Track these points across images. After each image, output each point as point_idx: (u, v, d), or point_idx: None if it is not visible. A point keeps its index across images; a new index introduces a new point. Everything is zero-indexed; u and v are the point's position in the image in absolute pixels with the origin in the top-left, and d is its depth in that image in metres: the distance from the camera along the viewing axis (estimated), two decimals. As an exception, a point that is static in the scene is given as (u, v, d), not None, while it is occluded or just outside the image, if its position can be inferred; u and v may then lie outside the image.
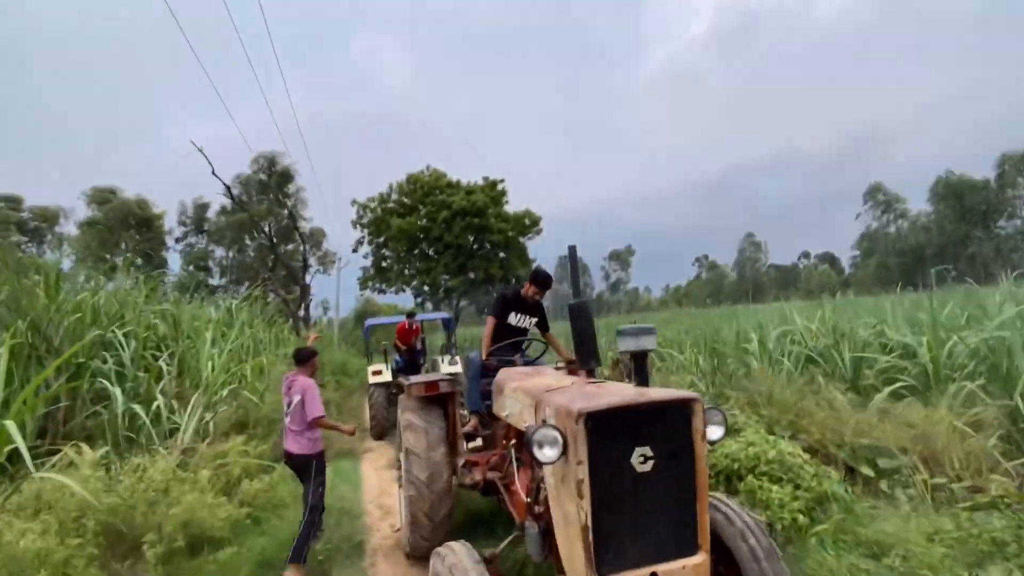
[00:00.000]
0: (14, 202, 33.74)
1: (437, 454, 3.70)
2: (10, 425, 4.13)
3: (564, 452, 2.06)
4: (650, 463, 2.05)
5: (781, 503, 3.54)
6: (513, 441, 3.19)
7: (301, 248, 27.44)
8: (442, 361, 10.10)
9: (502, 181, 24.00)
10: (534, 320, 4.41)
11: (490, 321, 4.37)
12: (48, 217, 35.53)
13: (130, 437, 5.13)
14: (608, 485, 2.03)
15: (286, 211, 25.99)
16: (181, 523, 3.99)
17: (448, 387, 3.98)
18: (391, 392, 9.26)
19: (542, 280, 4.33)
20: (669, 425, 2.13)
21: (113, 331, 5.95)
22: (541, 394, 2.55)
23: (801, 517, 3.47)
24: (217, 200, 30.70)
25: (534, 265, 24.55)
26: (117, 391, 5.00)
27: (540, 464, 2.16)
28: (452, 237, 22.89)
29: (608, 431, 2.05)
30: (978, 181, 45.92)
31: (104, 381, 5.30)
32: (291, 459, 4.13)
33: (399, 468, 4.19)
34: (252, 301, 13.69)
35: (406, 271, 25.13)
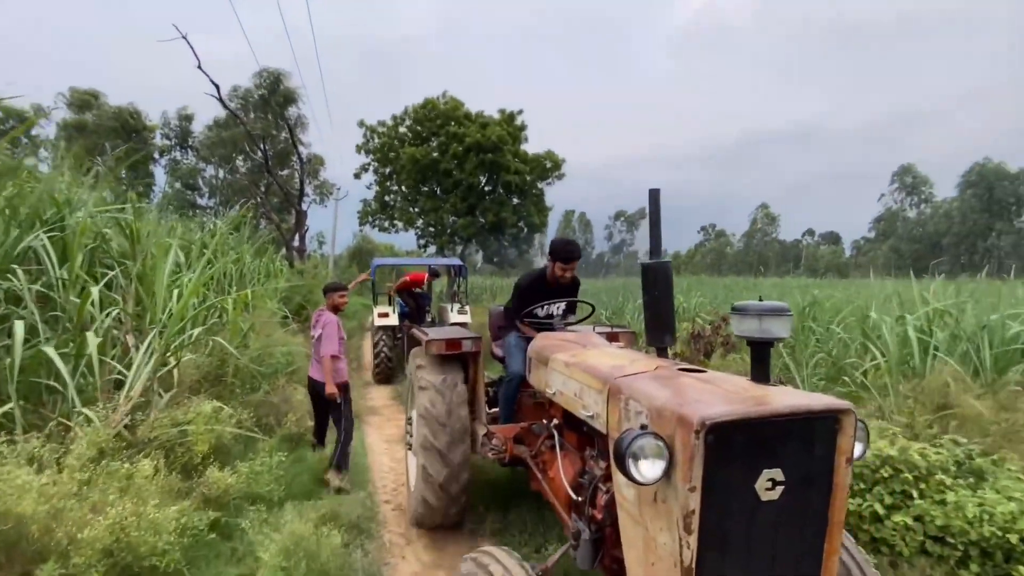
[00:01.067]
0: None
1: (457, 420, 3.35)
2: None
3: (667, 470, 1.55)
4: (778, 490, 1.54)
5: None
6: (555, 421, 2.81)
7: (298, 172, 25.60)
8: (451, 309, 9.50)
9: (520, 113, 21.49)
10: (562, 306, 3.70)
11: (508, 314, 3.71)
12: (25, 118, 32.79)
13: (55, 392, 3.57)
14: (723, 517, 1.53)
15: (284, 133, 23.93)
16: (100, 549, 2.50)
17: (472, 346, 3.55)
18: (397, 337, 9.04)
19: (564, 253, 3.50)
20: (808, 442, 1.58)
21: (40, 237, 4.26)
22: (615, 379, 2.05)
23: None
24: (206, 113, 28.27)
25: (551, 215, 22.72)
26: (19, 325, 3.35)
27: (634, 480, 1.58)
28: (463, 174, 20.71)
29: (733, 447, 1.51)
30: (1012, 172, 44.02)
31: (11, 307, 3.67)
32: (314, 385, 4.47)
33: (409, 427, 3.90)
34: (241, 223, 11.95)
35: (412, 209, 23.10)
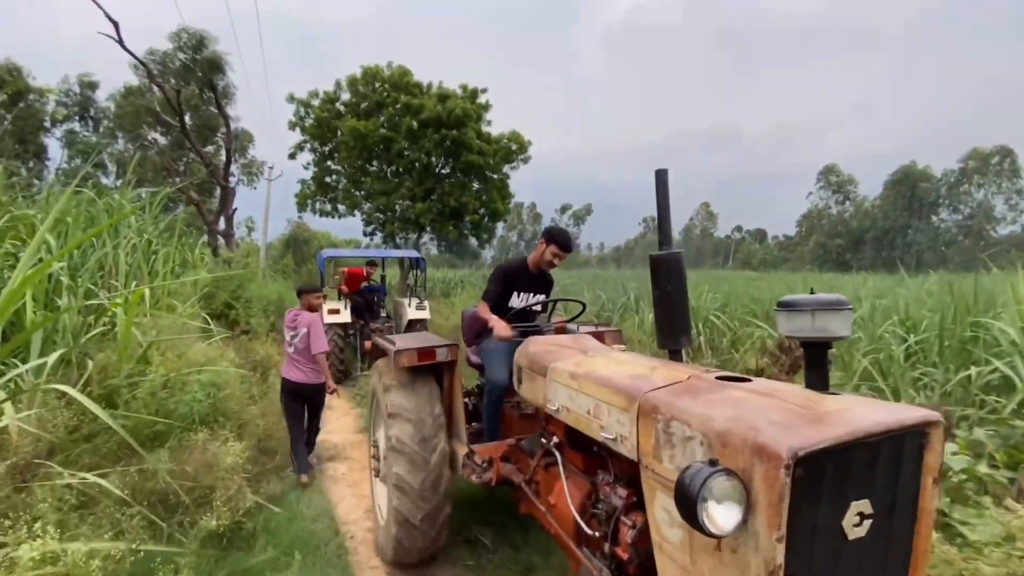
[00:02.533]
0: None
1: (434, 449, 2.88)
2: None
3: (744, 516, 1.26)
4: (866, 524, 1.31)
5: None
6: (555, 439, 2.44)
7: (223, 142, 22.86)
8: (408, 304, 8.78)
9: (484, 91, 19.20)
10: (541, 297, 3.46)
11: (484, 308, 3.26)
12: None
13: None
14: (805, 567, 1.26)
15: (210, 107, 21.09)
16: None
17: (447, 355, 3.06)
18: (348, 335, 8.57)
19: (564, 238, 3.32)
20: (895, 463, 1.35)
21: None
22: (645, 394, 1.71)
23: None
24: (113, 82, 24.60)
25: (514, 201, 21.01)
26: None
27: (708, 534, 1.25)
28: (419, 153, 18.46)
29: (822, 480, 1.26)
30: (936, 175, 47.43)
31: None
32: (298, 387, 4.40)
33: (374, 450, 3.51)
34: (149, 203, 9.45)
35: (356, 192, 20.55)
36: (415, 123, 17.99)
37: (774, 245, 70.80)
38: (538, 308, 3.47)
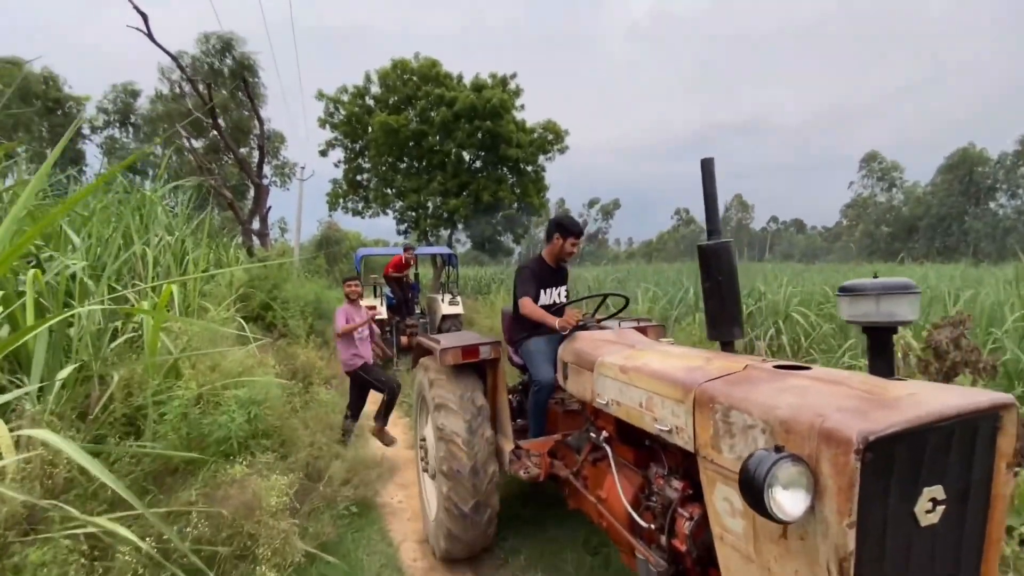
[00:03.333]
0: None
1: (481, 441, 2.93)
2: None
3: (812, 502, 1.24)
4: (939, 510, 1.28)
5: None
6: (604, 433, 2.44)
7: (256, 141, 23.10)
8: (441, 300, 8.95)
9: (514, 77, 18.04)
10: (564, 291, 3.46)
11: (530, 305, 3.20)
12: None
13: None
14: (877, 554, 1.22)
15: (242, 110, 21.19)
16: None
17: (491, 352, 3.13)
18: (385, 331, 8.47)
19: (574, 225, 3.36)
20: (969, 448, 1.31)
21: None
22: (701, 384, 1.70)
23: None
24: (151, 91, 25.09)
25: (548, 195, 20.18)
26: None
27: (776, 520, 1.22)
28: (453, 145, 17.69)
29: (893, 465, 1.22)
30: (992, 157, 44.39)
31: None
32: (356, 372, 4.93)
33: (421, 449, 3.48)
34: (185, 196, 9.06)
35: (388, 190, 20.05)
36: (450, 115, 17.26)
37: (817, 235, 67.94)
38: (561, 300, 3.49)
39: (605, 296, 3.57)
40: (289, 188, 31.93)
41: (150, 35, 9.74)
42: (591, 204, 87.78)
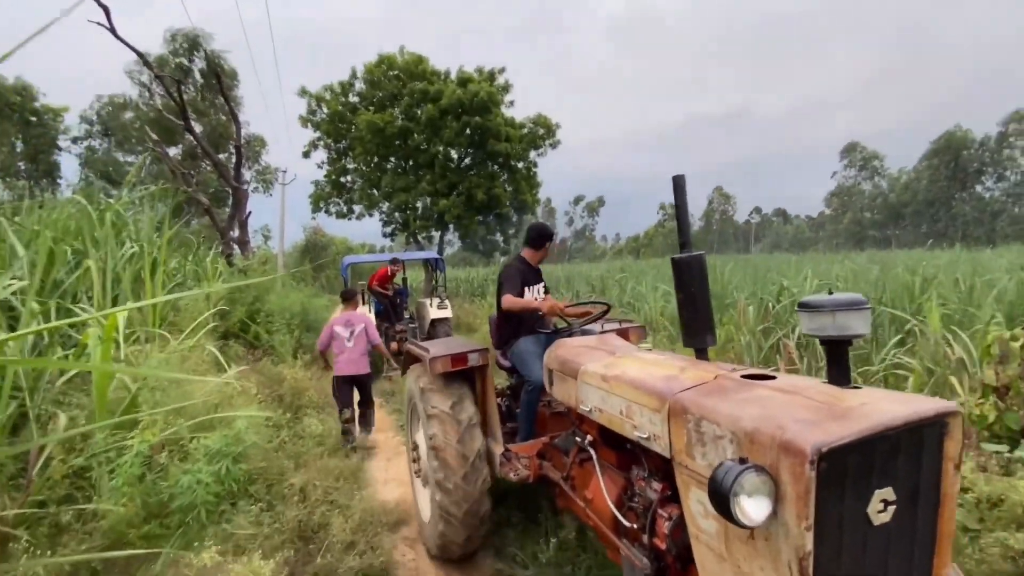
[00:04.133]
0: None
1: (472, 446, 3.01)
2: None
3: (774, 507, 1.35)
4: (890, 510, 1.41)
5: None
6: (589, 437, 2.54)
7: (234, 144, 22.62)
8: (430, 304, 8.93)
9: (502, 72, 17.47)
10: (542, 288, 3.60)
11: (511, 299, 3.28)
12: None
13: None
14: (837, 551, 1.37)
15: (221, 108, 20.30)
16: None
17: (479, 359, 3.23)
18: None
19: (548, 232, 3.66)
20: (917, 452, 1.44)
21: None
22: (675, 394, 1.80)
23: None
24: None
25: (540, 191, 19.54)
26: None
27: (741, 525, 1.35)
28: (440, 144, 17.00)
29: (844, 472, 1.34)
30: (978, 138, 44.51)
31: None
32: (353, 378, 5.06)
33: (414, 451, 3.62)
34: (152, 200, 8.28)
35: (374, 191, 19.30)
36: (436, 111, 16.58)
37: (806, 224, 68.18)
38: (540, 296, 3.55)
39: (599, 306, 3.46)
40: (272, 194, 31.00)
41: (112, 30, 8.94)
42: (576, 201, 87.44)
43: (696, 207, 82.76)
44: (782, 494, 1.34)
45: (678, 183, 2.24)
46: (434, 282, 10.01)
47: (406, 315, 9.38)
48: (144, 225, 6.70)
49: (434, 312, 8.67)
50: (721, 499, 1.32)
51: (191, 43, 22.60)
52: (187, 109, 11.40)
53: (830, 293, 1.63)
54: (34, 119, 28.75)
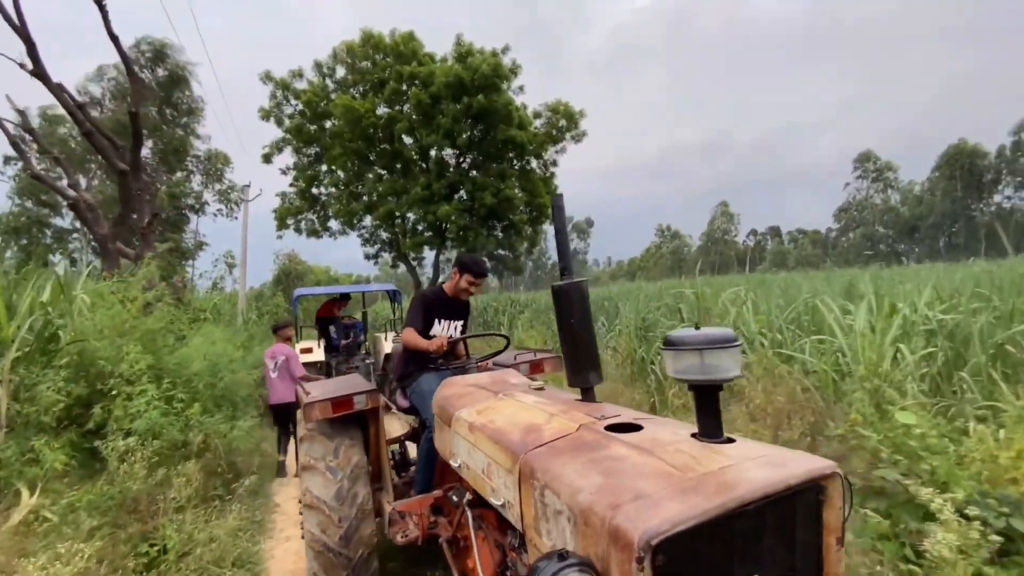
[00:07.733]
0: None
1: (354, 507, 2.63)
2: None
3: None
4: None
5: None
6: (467, 495, 2.24)
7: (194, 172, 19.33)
8: (384, 339, 8.51)
9: (507, 51, 13.97)
10: (460, 325, 3.34)
11: (409, 334, 3.04)
12: None
13: None
14: None
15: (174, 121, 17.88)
16: None
17: (366, 402, 2.82)
18: (326, 376, 7.62)
19: (477, 267, 3.26)
20: (788, 524, 1.20)
21: None
22: (526, 453, 1.56)
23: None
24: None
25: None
26: None
27: None
28: (437, 137, 13.30)
29: (692, 561, 1.10)
30: (989, 151, 43.30)
31: None
32: (280, 407, 5.44)
33: (301, 505, 2.99)
34: None
35: (353, 202, 15.53)
36: (427, 96, 13.09)
37: (808, 242, 65.91)
38: (456, 334, 3.24)
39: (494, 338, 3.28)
40: (237, 216, 27.04)
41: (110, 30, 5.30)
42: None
43: (696, 226, 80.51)
44: None
45: (557, 203, 2.07)
46: (392, 314, 9.94)
47: (361, 351, 8.93)
48: None
49: (387, 346, 8.19)
50: None
51: (155, 52, 20.27)
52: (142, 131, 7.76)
53: (697, 328, 1.41)
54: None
